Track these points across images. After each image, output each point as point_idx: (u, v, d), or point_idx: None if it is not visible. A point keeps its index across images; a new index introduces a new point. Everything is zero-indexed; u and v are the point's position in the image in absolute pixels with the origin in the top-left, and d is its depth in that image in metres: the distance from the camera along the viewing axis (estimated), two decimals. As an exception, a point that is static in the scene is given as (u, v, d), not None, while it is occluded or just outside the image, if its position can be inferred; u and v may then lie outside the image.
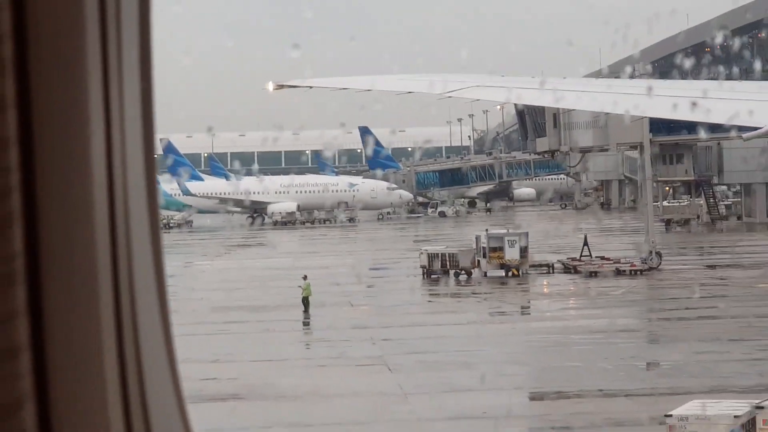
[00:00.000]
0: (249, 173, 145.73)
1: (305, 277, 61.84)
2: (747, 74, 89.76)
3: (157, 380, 2.71)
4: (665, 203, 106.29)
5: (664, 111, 37.08)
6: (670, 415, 31.75)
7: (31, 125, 2.24)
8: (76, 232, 2.34)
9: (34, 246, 2.28)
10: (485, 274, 74.41)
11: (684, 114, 34.13)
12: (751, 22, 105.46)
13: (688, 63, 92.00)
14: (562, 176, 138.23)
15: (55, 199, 2.29)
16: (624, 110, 43.72)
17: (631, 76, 63.26)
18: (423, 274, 74.88)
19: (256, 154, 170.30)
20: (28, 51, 2.22)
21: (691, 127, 75.59)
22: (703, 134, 79.32)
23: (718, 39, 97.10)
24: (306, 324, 59.40)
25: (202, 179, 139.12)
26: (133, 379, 2.57)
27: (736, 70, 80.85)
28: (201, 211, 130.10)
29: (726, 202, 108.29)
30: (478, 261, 75.28)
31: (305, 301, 60.67)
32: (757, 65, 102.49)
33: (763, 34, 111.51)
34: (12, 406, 2.29)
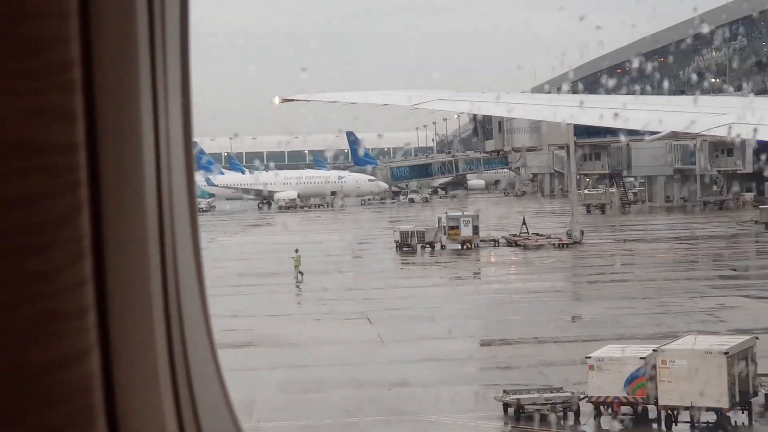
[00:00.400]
0: (259, 169, 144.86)
1: (297, 251, 61.69)
2: (657, 90, 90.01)
3: (198, 337, 2.56)
4: (586, 191, 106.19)
5: (593, 120, 36.92)
6: (590, 357, 31.61)
7: (96, 131, 2.14)
8: (132, 218, 2.25)
9: (98, 229, 2.17)
10: (444, 247, 74.33)
11: (608, 122, 33.96)
12: (660, 47, 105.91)
13: (610, 81, 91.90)
14: (505, 170, 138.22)
15: (115, 192, 2.21)
16: (561, 119, 43.88)
17: (566, 91, 63.32)
18: (396, 248, 74.70)
19: (265, 153, 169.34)
20: (93, 72, 2.13)
21: (606, 131, 75.52)
22: (615, 137, 79.39)
23: (635, 62, 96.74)
24: (298, 287, 59.14)
25: (223, 173, 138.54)
26: (177, 337, 2.44)
27: (648, 87, 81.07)
28: (222, 199, 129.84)
29: (633, 191, 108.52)
30: (440, 237, 75.34)
31: (298, 270, 60.41)
32: (665, 83, 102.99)
33: (670, 59, 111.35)
34: (79, 355, 2.17)
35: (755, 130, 29.86)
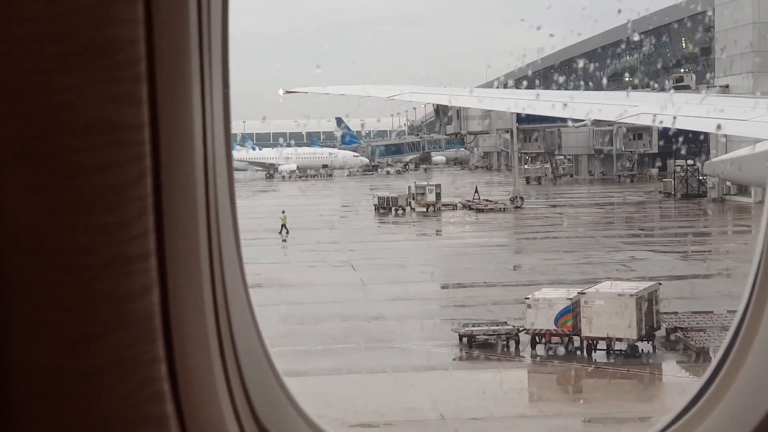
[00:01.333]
0: (267, 146, 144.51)
1: (283, 212, 62.00)
2: (590, 86, 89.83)
3: (233, 274, 2.65)
4: (525, 167, 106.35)
5: (545, 110, 37.17)
6: (528, 298, 31.69)
7: (157, 113, 2.21)
8: (184, 182, 2.31)
9: (158, 191, 2.25)
10: (414, 210, 74.50)
11: (558, 112, 34.23)
12: (591, 50, 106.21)
13: (560, 77, 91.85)
14: (462, 149, 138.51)
15: (171, 162, 2.26)
16: (521, 109, 44.14)
17: (510, 87, 63.41)
18: (375, 210, 74.85)
19: (271, 134, 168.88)
20: (155, 67, 2.18)
21: (542, 118, 75.69)
22: (552, 123, 79.81)
23: (580, 62, 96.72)
24: (284, 241, 59.40)
25: (237, 149, 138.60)
26: (218, 275, 2.53)
27: (581, 83, 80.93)
28: (236, 170, 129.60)
29: (563, 167, 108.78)
30: (410, 202, 75.44)
31: (283, 227, 60.42)
32: (604, 80, 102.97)
33: (607, 60, 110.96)
34: (143, 290, 2.25)
35: (657, 118, 30.06)
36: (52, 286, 2.17)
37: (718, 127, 27.98)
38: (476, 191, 79.78)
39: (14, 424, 2.20)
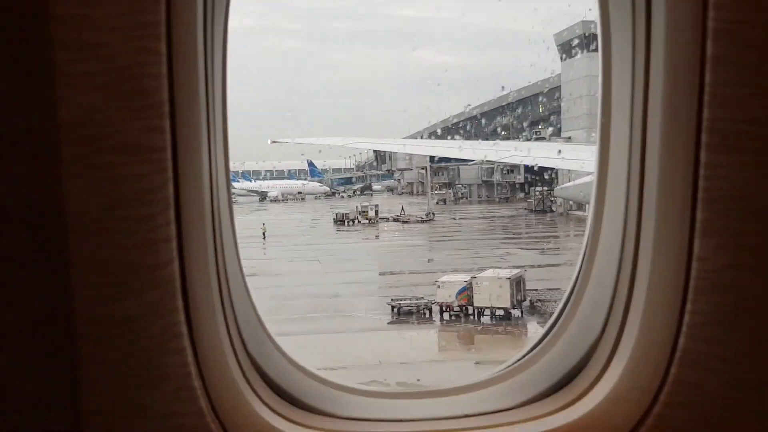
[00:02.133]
0: (258, 179, 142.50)
1: (263, 224, 59.99)
2: (484, 137, 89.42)
3: (234, 271, 2.44)
4: (435, 192, 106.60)
5: (449, 153, 37.85)
6: (437, 281, 31.60)
7: (175, 140, 2.09)
8: (195, 200, 2.17)
9: (177, 196, 2.12)
10: (360, 222, 74.07)
11: (457, 155, 34.76)
12: (489, 110, 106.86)
13: (460, 130, 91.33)
14: (393, 180, 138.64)
15: (186, 177, 2.13)
16: (432, 153, 45.07)
17: (427, 137, 63.64)
18: (334, 222, 74.24)
19: (262, 171, 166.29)
20: (175, 111, 2.07)
21: (447, 159, 76.16)
22: (452, 162, 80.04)
23: (483, 119, 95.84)
24: (263, 244, 58.70)
25: (238, 181, 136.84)
26: (222, 273, 2.34)
27: (479, 135, 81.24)
28: (238, 196, 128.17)
29: (461, 192, 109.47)
30: (357, 216, 75.02)
31: (264, 234, 58.00)
32: (487, 131, 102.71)
33: (493, 119, 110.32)
34: (166, 263, 2.11)
35: (522, 159, 30.48)
36: (105, 259, 2.04)
37: (559, 154, 28.55)
38: (402, 209, 79.69)
39: (74, 357, 2.06)
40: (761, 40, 1.94)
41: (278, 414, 2.36)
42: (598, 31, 2.23)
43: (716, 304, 2.03)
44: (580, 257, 2.48)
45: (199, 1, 2.06)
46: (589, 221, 2.46)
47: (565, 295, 2.54)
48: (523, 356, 2.55)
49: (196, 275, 2.18)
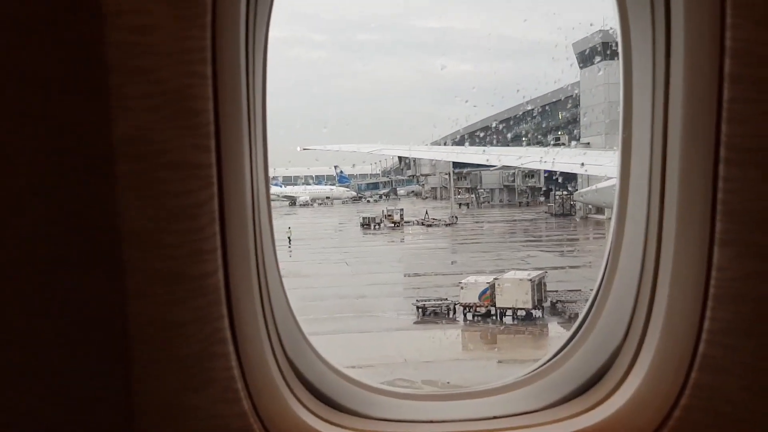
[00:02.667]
0: (289, 184, 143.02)
1: (289, 228, 58.71)
2: (505, 143, 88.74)
3: (272, 275, 2.49)
4: (458, 197, 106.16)
5: (471, 159, 37.74)
6: (461, 282, 31.41)
7: (220, 157, 2.12)
8: (239, 210, 2.20)
9: (222, 210, 2.14)
10: (386, 225, 74.04)
11: (480, 160, 34.65)
12: (509, 117, 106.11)
13: (481, 135, 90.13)
14: (417, 185, 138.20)
15: (230, 193, 2.15)
16: (455, 158, 45.09)
17: (450, 144, 63.28)
18: (360, 225, 74.26)
19: (292, 176, 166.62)
20: (219, 127, 2.09)
21: (469, 164, 75.84)
22: (475, 168, 79.73)
23: (494, 126, 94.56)
24: (290, 248, 58.70)
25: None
26: (263, 279, 2.39)
27: (500, 142, 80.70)
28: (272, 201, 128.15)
29: (483, 197, 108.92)
30: (383, 220, 74.93)
31: (289, 238, 58.74)
32: (509, 137, 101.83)
33: (512, 125, 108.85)
34: (212, 272, 2.13)
35: (542, 164, 30.26)
36: (157, 268, 2.07)
37: (582, 166, 28.36)
38: (426, 213, 79.51)
39: (127, 360, 2.10)
40: None
41: (315, 415, 2.38)
42: (620, 49, 2.25)
43: (735, 311, 2.04)
44: (603, 265, 2.48)
45: (241, 26, 2.10)
46: (611, 230, 2.46)
47: (589, 301, 2.54)
48: (549, 360, 2.54)
49: (239, 283, 2.21)
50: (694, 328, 2.06)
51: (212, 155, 2.09)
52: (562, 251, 48.94)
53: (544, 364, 2.52)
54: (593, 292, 2.51)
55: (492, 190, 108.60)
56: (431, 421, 2.36)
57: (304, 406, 2.39)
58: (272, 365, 2.33)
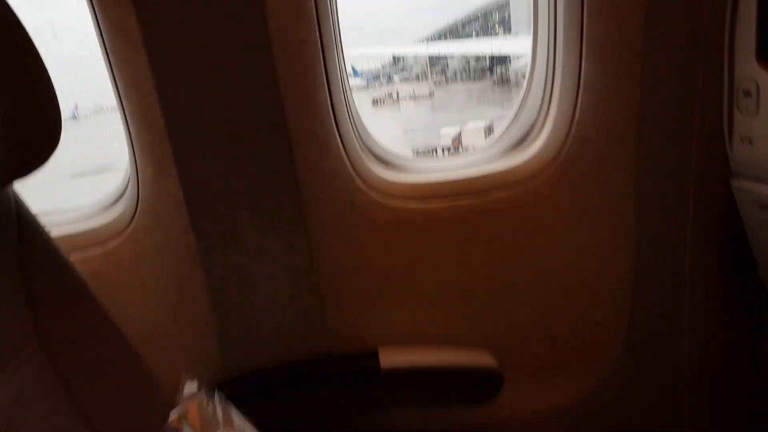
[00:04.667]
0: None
1: None
2: None
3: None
4: (433, 77, 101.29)
5: (447, 51, 34.99)
6: (440, 132, 31.94)
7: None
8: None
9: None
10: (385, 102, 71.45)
11: (450, 51, 30.52)
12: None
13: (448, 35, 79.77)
14: (406, 73, 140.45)
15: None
16: (436, 53, 40.63)
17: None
18: (372, 103, 58.48)
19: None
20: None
21: (441, 56, 67.01)
22: (442, 58, 78.56)
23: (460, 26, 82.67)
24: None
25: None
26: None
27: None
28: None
29: (449, 76, 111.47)
30: (385, 98, 66.78)
31: None
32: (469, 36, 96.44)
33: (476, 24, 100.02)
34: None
35: (486, 50, 33.38)
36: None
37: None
38: (413, 90, 74.22)
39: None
40: None
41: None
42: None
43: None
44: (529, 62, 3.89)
45: None
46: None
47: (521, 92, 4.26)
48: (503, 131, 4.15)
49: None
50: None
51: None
52: (503, 105, 57.96)
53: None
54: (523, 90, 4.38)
55: (455, 70, 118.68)
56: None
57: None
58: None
